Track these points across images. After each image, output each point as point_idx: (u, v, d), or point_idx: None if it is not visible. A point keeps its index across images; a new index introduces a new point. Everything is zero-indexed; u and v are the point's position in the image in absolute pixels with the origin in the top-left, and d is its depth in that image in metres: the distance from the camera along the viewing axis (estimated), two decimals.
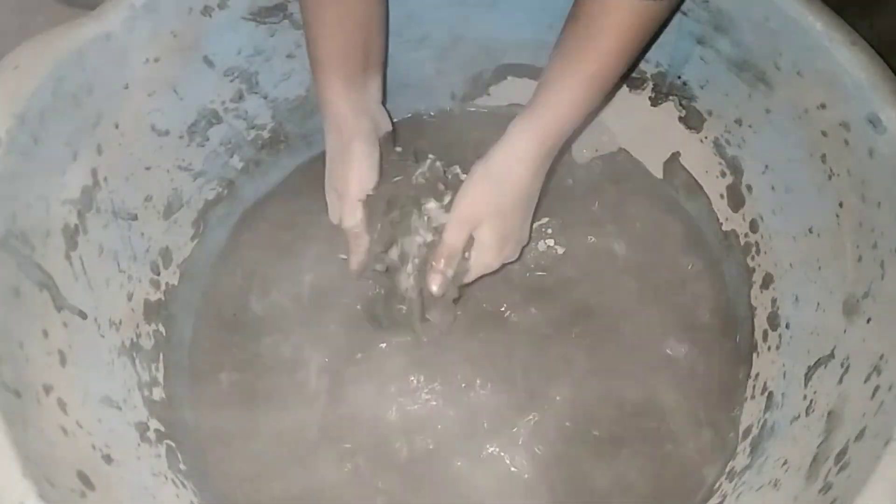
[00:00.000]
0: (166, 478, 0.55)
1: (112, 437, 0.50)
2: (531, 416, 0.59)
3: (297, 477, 0.58)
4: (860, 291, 0.51)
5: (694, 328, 0.64)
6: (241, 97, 0.64)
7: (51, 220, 0.50)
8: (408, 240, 0.56)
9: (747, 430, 0.59)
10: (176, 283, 0.64)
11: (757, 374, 0.61)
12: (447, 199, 0.56)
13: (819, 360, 0.53)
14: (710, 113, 0.65)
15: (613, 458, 0.58)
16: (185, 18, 0.56)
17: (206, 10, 0.57)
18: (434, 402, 0.60)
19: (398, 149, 0.61)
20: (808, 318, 0.56)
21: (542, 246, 0.67)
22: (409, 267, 0.57)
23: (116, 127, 0.55)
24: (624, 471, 0.58)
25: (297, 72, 0.66)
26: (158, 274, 0.62)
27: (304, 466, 0.58)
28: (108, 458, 0.49)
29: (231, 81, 0.63)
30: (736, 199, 0.65)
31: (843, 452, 0.45)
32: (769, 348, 0.61)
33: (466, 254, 0.55)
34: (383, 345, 0.62)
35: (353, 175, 0.56)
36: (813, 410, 0.52)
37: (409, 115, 0.75)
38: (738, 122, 0.62)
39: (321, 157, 0.59)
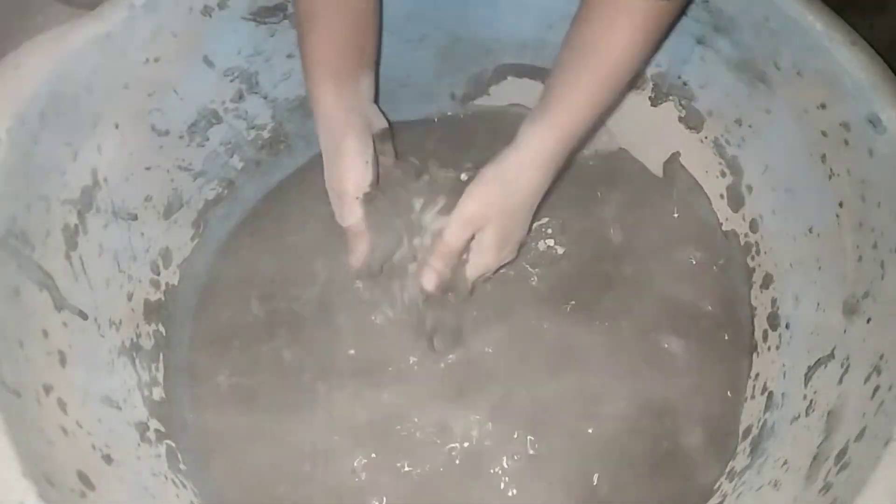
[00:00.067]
0: (166, 478, 0.55)
1: (112, 437, 0.50)
2: (527, 416, 0.59)
3: (297, 477, 0.58)
4: (860, 291, 0.51)
5: (694, 328, 0.64)
6: (241, 97, 0.64)
7: (51, 220, 0.50)
8: (407, 241, 0.56)
9: (747, 430, 0.59)
10: (176, 283, 0.64)
11: (757, 374, 0.61)
12: (446, 200, 0.56)
13: (819, 360, 0.53)
14: (710, 113, 0.65)
15: (612, 458, 0.58)
16: (185, 18, 0.56)
17: (206, 10, 0.57)
18: (432, 402, 0.59)
19: (396, 149, 0.60)
20: (808, 318, 0.56)
21: (542, 246, 0.67)
22: (410, 268, 0.57)
23: (116, 127, 0.55)
24: (623, 471, 0.58)
25: (297, 72, 0.66)
26: (158, 274, 0.62)
27: (305, 467, 0.58)
28: (108, 458, 0.49)
29: (231, 81, 0.63)
30: (736, 199, 0.65)
31: (843, 452, 0.45)
32: (769, 348, 0.61)
33: (465, 255, 0.55)
34: (383, 345, 0.61)
35: (348, 173, 0.55)
36: (813, 410, 0.52)
37: (409, 116, 0.74)
38: (738, 122, 0.62)
39: (321, 156, 0.59)
